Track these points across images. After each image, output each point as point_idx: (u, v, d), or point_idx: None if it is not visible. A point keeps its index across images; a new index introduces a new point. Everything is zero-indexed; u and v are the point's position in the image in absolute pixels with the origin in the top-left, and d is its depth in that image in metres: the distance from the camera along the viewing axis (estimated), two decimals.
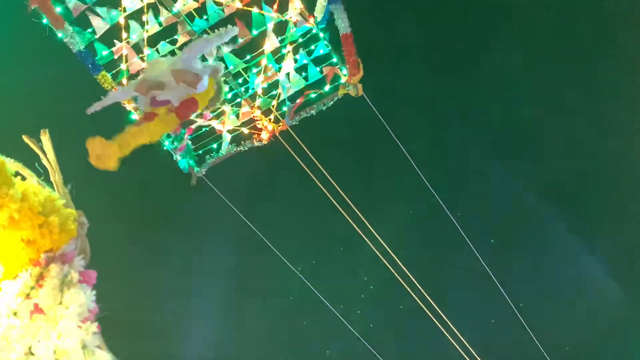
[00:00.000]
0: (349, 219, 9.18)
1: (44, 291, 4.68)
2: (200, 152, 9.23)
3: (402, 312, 17.10)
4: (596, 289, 18.00)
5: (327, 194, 9.13)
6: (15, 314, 4.58)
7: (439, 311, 10.11)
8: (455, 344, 10.73)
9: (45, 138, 5.21)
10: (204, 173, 9.25)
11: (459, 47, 15.18)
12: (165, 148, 8.81)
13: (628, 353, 17.99)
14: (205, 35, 6.95)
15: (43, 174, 5.23)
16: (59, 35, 7.93)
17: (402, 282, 9.96)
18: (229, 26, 6.66)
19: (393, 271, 9.70)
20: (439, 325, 10.29)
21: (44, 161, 5.23)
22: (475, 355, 10.98)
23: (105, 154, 4.94)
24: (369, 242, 9.47)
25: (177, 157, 8.95)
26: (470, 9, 14.99)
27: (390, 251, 9.57)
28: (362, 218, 9.46)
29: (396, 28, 14.97)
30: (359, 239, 9.68)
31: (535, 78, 15.72)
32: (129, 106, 8.32)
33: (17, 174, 4.98)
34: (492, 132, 16.96)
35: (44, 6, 7.59)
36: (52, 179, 5.22)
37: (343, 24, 8.36)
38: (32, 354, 4.59)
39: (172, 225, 16.70)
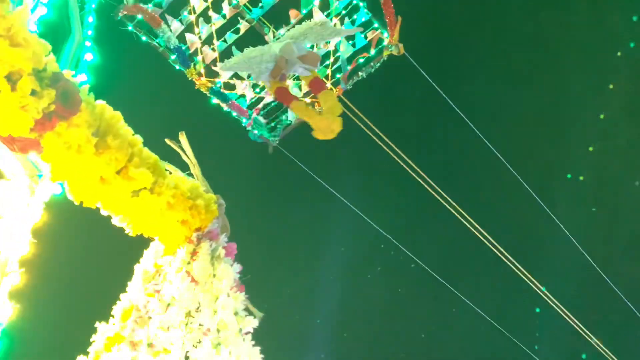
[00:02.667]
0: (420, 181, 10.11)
1: (197, 264, 5.63)
2: (273, 124, 10.11)
3: None
4: None
5: (389, 152, 10.00)
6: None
7: None
8: None
9: (183, 139, 6.09)
10: (277, 142, 10.14)
11: None
12: (243, 124, 9.77)
13: None
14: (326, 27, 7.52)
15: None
16: (143, 38, 8.81)
17: None
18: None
19: None
20: None
21: (184, 157, 6.14)
22: None
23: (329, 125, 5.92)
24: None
25: (254, 131, 9.87)
26: None
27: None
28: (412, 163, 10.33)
29: None
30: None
31: None
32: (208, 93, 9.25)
33: (166, 170, 5.94)
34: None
35: (140, 10, 8.38)
36: (192, 171, 6.15)
37: None
38: (192, 316, 5.59)
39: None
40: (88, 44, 6.79)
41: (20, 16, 4.57)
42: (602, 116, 18.46)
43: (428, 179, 10.74)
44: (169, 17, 8.81)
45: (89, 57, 6.67)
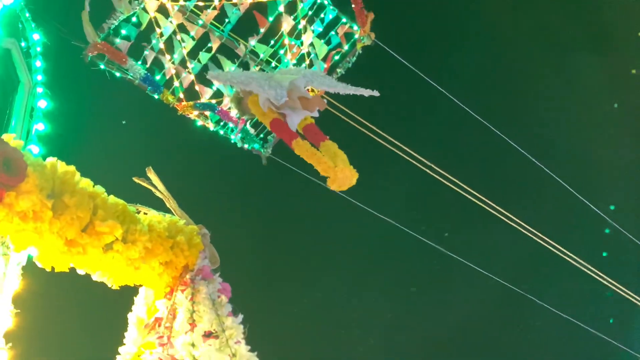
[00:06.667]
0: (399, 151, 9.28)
1: (206, 318, 4.95)
2: (262, 135, 9.39)
3: None
4: None
5: (374, 137, 9.25)
6: (193, 344, 4.84)
7: None
8: None
9: (151, 174, 5.42)
10: (270, 152, 9.43)
11: None
12: (232, 141, 9.08)
13: None
14: (342, 85, 6.14)
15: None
16: (117, 75, 8.19)
17: None
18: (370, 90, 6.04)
19: None
20: None
21: (157, 193, 5.47)
22: None
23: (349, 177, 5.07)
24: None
25: (245, 145, 9.18)
26: None
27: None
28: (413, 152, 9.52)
29: None
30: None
31: None
32: (192, 115, 8.60)
33: (138, 212, 5.28)
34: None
35: (105, 48, 7.76)
36: (168, 205, 5.49)
37: None
38: None
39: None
40: (40, 90, 6.11)
41: None
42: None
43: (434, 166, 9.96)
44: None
45: (42, 104, 5.99)
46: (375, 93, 5.99)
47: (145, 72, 8.22)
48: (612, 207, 16.90)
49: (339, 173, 5.05)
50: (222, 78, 6.64)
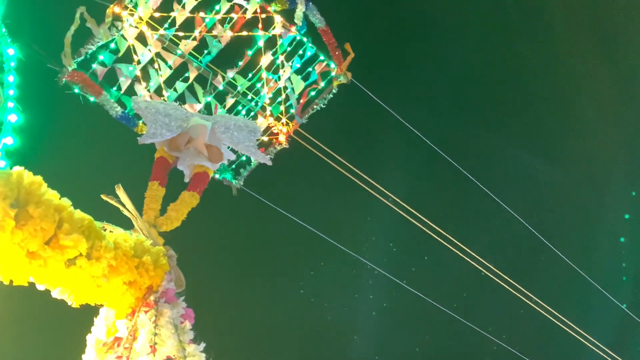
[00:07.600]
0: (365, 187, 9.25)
1: (169, 342, 4.78)
2: (234, 166, 9.29)
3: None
4: None
5: (344, 173, 9.22)
6: None
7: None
8: None
9: (120, 192, 5.23)
10: (242, 184, 9.31)
11: None
12: None
13: None
14: (250, 144, 6.44)
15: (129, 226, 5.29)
16: (92, 100, 8.06)
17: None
18: (265, 157, 6.64)
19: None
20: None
21: (125, 212, 5.28)
22: None
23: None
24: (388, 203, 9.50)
25: (216, 175, 9.07)
26: None
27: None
28: (375, 184, 9.51)
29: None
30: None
31: None
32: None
33: (104, 230, 5.08)
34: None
35: (83, 82, 7.70)
36: (135, 225, 5.30)
37: (318, 20, 8.55)
38: None
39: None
40: (11, 104, 5.93)
41: None
42: None
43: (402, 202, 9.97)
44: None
45: (13, 118, 5.81)
46: (269, 162, 6.65)
47: (122, 111, 8.17)
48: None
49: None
50: (139, 105, 6.56)
